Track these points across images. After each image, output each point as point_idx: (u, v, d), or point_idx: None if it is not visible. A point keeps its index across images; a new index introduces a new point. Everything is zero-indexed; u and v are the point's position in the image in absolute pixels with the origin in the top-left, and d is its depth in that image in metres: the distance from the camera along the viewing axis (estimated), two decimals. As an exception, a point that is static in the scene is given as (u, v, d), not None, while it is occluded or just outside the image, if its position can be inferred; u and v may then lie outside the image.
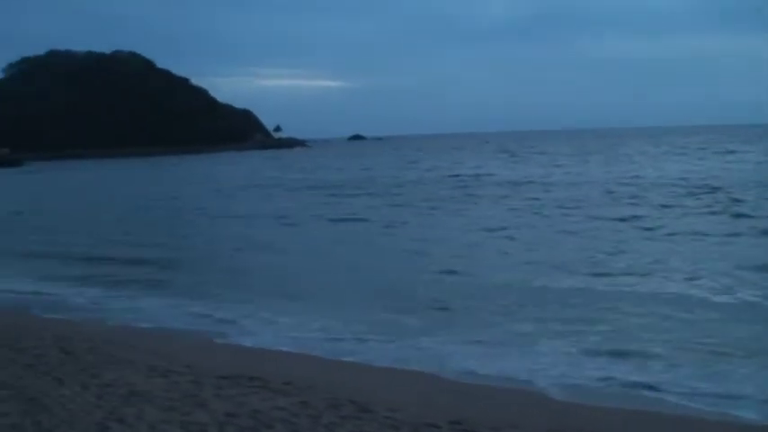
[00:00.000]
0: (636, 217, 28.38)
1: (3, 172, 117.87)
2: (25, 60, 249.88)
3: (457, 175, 58.52)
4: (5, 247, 28.45)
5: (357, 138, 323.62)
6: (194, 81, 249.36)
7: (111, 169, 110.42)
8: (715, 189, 37.41)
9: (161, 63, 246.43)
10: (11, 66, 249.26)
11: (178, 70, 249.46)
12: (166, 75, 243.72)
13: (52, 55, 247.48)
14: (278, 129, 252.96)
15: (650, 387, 9.98)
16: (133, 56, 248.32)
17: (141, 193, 57.61)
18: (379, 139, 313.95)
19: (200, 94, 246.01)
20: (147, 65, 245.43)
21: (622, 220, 27.87)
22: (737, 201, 32.27)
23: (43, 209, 46.91)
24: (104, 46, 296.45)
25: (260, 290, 18.00)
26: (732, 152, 75.30)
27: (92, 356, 10.69)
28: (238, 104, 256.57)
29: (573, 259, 20.07)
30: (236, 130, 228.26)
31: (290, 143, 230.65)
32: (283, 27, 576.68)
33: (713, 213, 29.02)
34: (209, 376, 9.79)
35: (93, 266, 22.91)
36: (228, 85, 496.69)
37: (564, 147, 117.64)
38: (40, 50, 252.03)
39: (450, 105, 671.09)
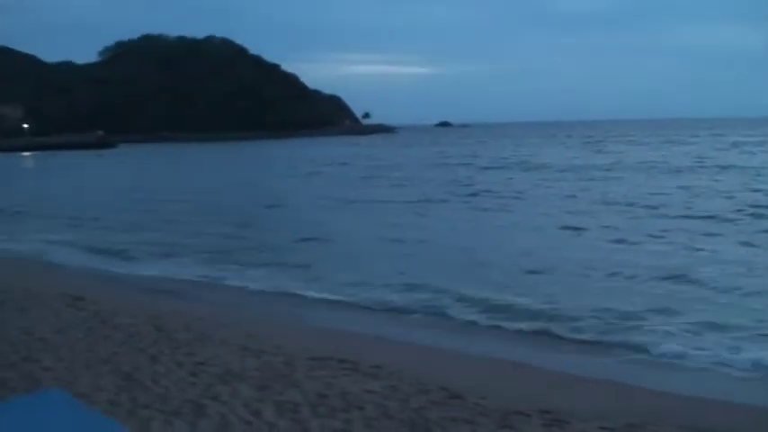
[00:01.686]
0: None
1: (98, 154, 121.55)
2: (120, 45, 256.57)
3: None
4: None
5: (444, 124, 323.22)
6: (285, 67, 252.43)
7: (214, 152, 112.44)
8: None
9: (253, 49, 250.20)
10: (106, 50, 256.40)
11: (269, 56, 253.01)
12: (257, 61, 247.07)
13: (146, 39, 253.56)
14: (367, 115, 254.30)
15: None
16: (225, 42, 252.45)
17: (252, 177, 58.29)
18: (466, 125, 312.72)
19: (291, 80, 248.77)
20: (239, 51, 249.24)
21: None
22: None
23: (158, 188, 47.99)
24: (197, 31, 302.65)
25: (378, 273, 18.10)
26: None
27: (185, 335, 10.80)
28: (328, 91, 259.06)
29: None
30: (325, 115, 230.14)
31: (379, 129, 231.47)
32: (373, 14, 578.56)
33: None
34: (300, 357, 9.78)
35: (195, 247, 23.30)
36: (318, 72, 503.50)
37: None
38: (133, 35, 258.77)
39: (536, 92, 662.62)
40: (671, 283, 15.87)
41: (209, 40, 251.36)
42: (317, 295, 15.79)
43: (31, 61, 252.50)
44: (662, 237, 22.32)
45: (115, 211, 35.39)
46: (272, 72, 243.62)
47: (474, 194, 37.43)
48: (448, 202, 34.37)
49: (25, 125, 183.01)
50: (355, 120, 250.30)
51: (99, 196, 44.69)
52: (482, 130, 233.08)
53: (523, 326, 12.90)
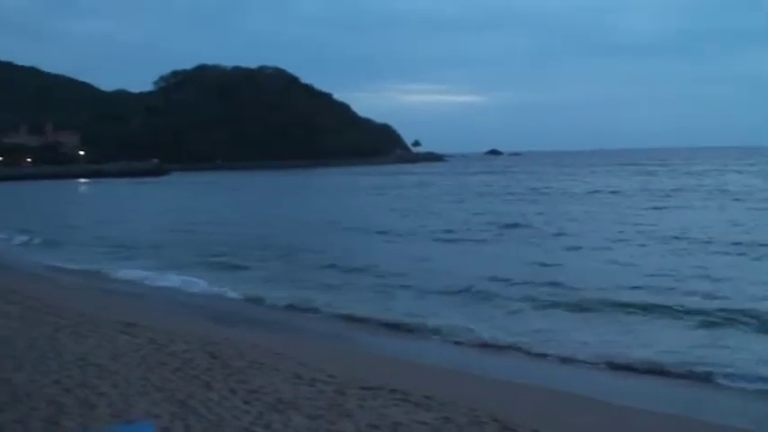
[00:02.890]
0: None
1: (156, 181, 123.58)
2: (175, 74, 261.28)
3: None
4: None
5: (494, 153, 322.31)
6: (336, 96, 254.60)
7: (268, 180, 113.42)
8: None
9: (305, 78, 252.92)
10: (162, 79, 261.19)
11: (321, 85, 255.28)
12: (310, 90, 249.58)
13: (201, 69, 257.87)
14: (417, 143, 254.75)
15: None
16: (278, 71, 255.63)
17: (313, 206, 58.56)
18: (516, 154, 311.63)
19: (342, 108, 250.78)
20: (292, 80, 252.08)
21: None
22: None
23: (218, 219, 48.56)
24: (251, 61, 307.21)
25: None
26: None
27: (239, 362, 10.83)
28: (378, 119, 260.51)
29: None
30: (376, 144, 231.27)
31: (429, 157, 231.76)
32: (424, 43, 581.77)
33: None
34: (353, 386, 9.74)
35: (247, 273, 23.52)
36: (369, 101, 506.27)
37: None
38: (189, 65, 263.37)
39: (590, 121, 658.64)
40: None
41: (263, 69, 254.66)
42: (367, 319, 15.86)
43: (87, 89, 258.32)
44: None
45: (168, 235, 35.91)
46: (324, 101, 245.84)
47: (511, 226, 36.09)
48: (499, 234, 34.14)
49: (81, 152, 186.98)
50: (405, 148, 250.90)
51: (148, 222, 45.34)
52: (532, 159, 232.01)
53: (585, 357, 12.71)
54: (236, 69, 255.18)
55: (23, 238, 35.90)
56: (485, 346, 13.82)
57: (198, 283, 21.63)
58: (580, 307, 16.71)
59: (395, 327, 15.63)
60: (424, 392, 9.58)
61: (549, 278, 20.68)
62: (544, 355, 12.96)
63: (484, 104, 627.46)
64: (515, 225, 35.79)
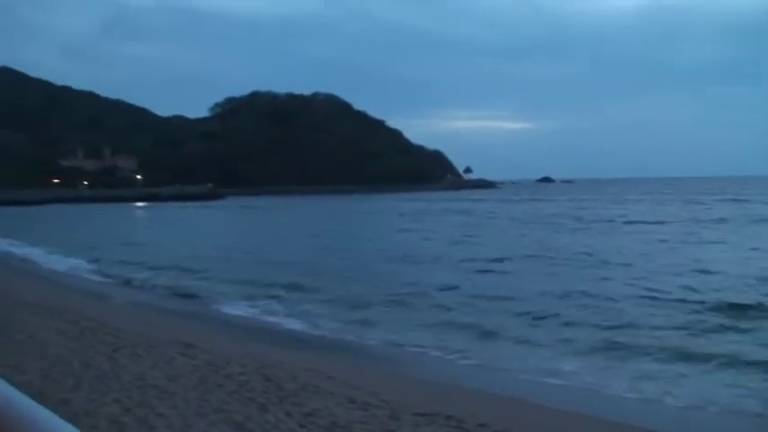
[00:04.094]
0: None
1: (211, 205, 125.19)
2: (230, 100, 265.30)
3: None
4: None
5: (546, 180, 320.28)
6: (389, 123, 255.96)
7: (322, 205, 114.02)
8: None
9: (358, 105, 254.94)
10: (217, 105, 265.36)
11: (374, 112, 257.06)
12: (362, 116, 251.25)
13: (255, 96, 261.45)
14: (468, 170, 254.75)
15: None
16: (331, 97, 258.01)
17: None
18: (569, 181, 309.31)
19: (395, 135, 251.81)
20: (344, 106, 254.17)
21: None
22: None
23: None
24: (304, 88, 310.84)
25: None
26: None
27: (293, 385, 10.88)
28: (430, 146, 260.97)
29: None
30: (427, 170, 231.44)
31: (480, 184, 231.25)
32: (476, 69, 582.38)
33: None
34: (407, 412, 9.71)
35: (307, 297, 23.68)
36: (421, 127, 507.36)
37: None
38: (244, 91, 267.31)
39: (644, 148, 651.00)
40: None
41: (316, 96, 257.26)
42: (420, 347, 15.83)
43: (145, 115, 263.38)
44: None
45: (220, 258, 36.30)
46: (376, 127, 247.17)
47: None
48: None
49: (139, 176, 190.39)
50: (457, 174, 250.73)
51: (206, 245, 45.86)
52: (584, 186, 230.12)
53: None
54: (290, 96, 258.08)
55: (81, 260, 36.54)
56: (542, 373, 13.68)
57: (253, 306, 21.85)
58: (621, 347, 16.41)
59: (448, 352, 15.61)
60: (478, 420, 9.53)
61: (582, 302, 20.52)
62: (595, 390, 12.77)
63: (536, 131, 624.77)
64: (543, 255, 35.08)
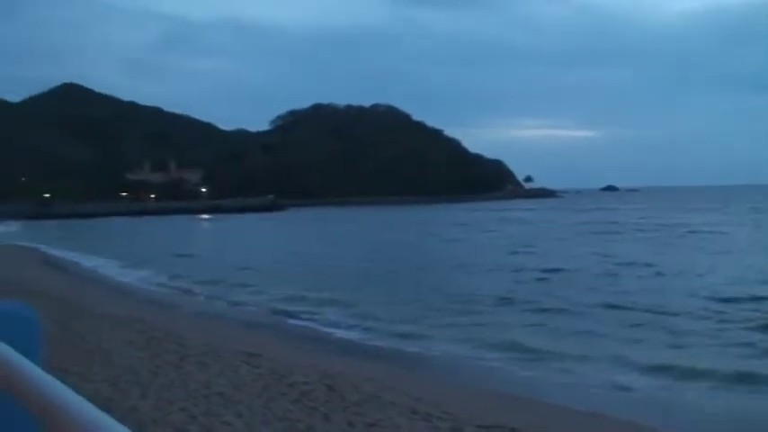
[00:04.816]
0: None
1: (274, 217, 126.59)
2: (291, 113, 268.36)
3: None
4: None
5: (610, 189, 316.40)
6: (447, 132, 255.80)
7: (383, 216, 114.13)
8: None
9: (417, 115, 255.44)
10: (278, 118, 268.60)
11: (432, 121, 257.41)
12: (421, 127, 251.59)
13: (316, 108, 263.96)
14: (529, 179, 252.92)
15: None
16: (390, 109, 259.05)
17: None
18: (634, 190, 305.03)
19: (453, 144, 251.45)
20: (403, 117, 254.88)
21: None
22: None
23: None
24: (364, 99, 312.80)
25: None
26: None
27: (355, 395, 10.92)
28: (490, 155, 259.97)
29: None
30: (487, 179, 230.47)
31: (541, 193, 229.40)
32: (535, 77, 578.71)
33: None
34: (469, 424, 9.66)
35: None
36: (480, 136, 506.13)
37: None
38: (304, 104, 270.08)
39: (712, 155, 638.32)
40: None
41: (375, 107, 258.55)
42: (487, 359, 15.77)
43: (209, 129, 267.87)
44: None
45: (284, 269, 36.65)
46: (434, 137, 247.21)
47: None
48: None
49: (203, 189, 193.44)
50: (517, 184, 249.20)
51: (268, 254, 46.30)
52: (650, 195, 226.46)
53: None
54: (349, 108, 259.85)
55: (147, 271, 37.21)
56: (605, 386, 13.49)
57: (314, 316, 22.01)
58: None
59: (509, 362, 15.51)
60: (543, 432, 9.45)
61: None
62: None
63: (600, 139, 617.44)
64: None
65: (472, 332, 18.91)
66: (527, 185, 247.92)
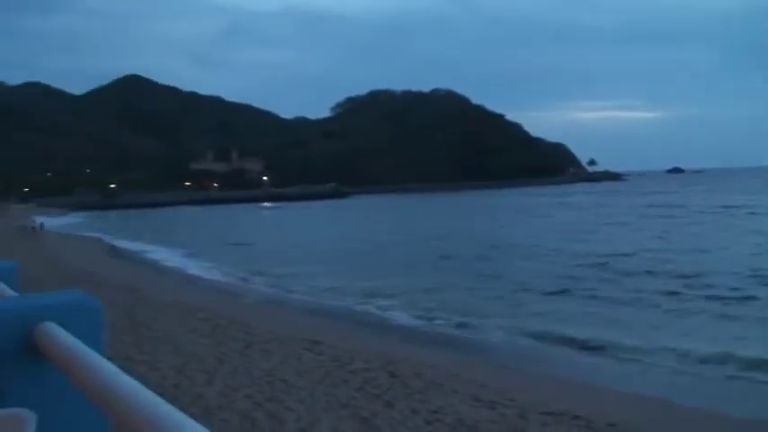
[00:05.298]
0: None
1: (336, 204, 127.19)
2: (350, 100, 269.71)
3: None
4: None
5: (675, 170, 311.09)
6: (508, 116, 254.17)
7: (445, 202, 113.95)
8: None
9: (476, 99, 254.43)
10: (337, 106, 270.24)
11: (492, 106, 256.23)
12: (481, 111, 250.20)
13: (374, 94, 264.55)
14: (592, 162, 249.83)
15: None
16: (449, 93, 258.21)
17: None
18: (699, 171, 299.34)
19: (514, 128, 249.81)
20: (463, 101, 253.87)
21: None
22: None
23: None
24: (423, 85, 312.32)
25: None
26: None
27: (418, 382, 10.90)
28: (552, 138, 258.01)
29: None
30: (549, 163, 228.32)
31: (605, 176, 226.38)
32: (598, 59, 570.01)
33: None
34: (534, 411, 9.58)
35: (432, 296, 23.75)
36: (542, 120, 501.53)
37: None
38: (362, 91, 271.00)
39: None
40: None
41: (435, 92, 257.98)
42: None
43: (270, 118, 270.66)
44: None
45: (345, 255, 36.81)
46: (495, 121, 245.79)
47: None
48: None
49: (265, 177, 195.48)
50: (580, 167, 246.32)
51: (332, 241, 46.54)
52: (715, 176, 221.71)
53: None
54: (408, 93, 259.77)
55: (210, 260, 37.70)
56: (679, 373, 13.27)
57: (374, 303, 22.08)
58: None
59: (573, 348, 15.37)
60: (608, 420, 9.31)
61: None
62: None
63: (664, 120, 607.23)
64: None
65: (532, 319, 18.79)
66: (590, 169, 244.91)
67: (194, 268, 33.92)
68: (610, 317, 18.94)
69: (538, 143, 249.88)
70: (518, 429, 8.73)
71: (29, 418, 1.99)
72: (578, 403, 10.18)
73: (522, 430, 8.70)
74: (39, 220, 63.66)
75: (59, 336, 2.03)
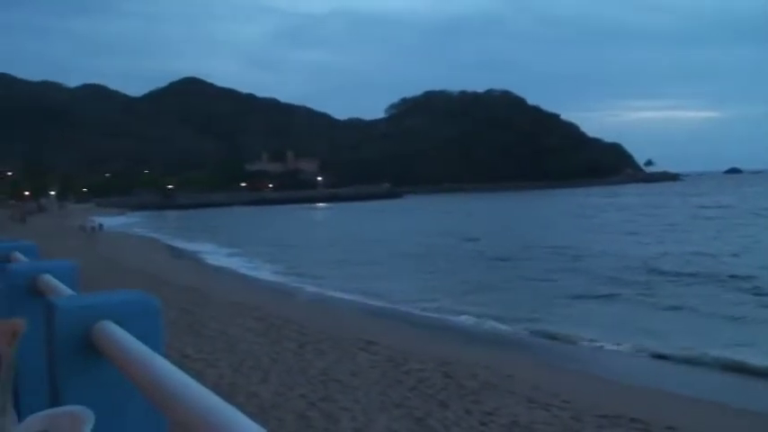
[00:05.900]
0: None
1: (390, 203, 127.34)
2: (405, 101, 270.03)
3: None
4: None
5: (734, 171, 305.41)
6: (564, 116, 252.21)
7: (501, 203, 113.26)
8: None
9: (532, 100, 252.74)
10: (392, 106, 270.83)
11: (548, 106, 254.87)
12: (537, 111, 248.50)
13: (429, 95, 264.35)
14: (649, 162, 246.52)
15: None
16: (505, 94, 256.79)
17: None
18: (759, 172, 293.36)
19: (570, 129, 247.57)
20: (518, 102, 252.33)
21: None
22: None
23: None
24: (477, 85, 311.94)
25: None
26: None
27: (472, 383, 10.85)
28: (608, 138, 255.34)
29: None
30: (605, 164, 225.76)
31: (662, 177, 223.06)
32: (655, 58, 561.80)
33: None
34: (589, 413, 9.47)
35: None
36: (598, 120, 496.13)
37: None
38: (417, 92, 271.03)
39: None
40: None
41: (490, 93, 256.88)
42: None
43: (325, 119, 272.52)
44: None
45: (402, 257, 36.83)
46: (551, 122, 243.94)
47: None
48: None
49: (319, 178, 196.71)
50: (637, 167, 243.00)
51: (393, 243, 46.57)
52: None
53: None
54: (463, 94, 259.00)
55: (264, 260, 38.04)
56: (742, 377, 13.01)
57: (426, 304, 22.04)
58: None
59: (630, 350, 15.19)
60: (667, 423, 9.17)
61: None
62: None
63: (723, 120, 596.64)
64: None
65: (585, 320, 18.65)
66: (648, 169, 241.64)
67: (249, 268, 34.24)
68: (661, 320, 18.71)
69: (594, 143, 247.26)
70: (573, 431, 8.64)
71: (87, 415, 2.03)
72: (635, 406, 10.05)
73: (576, 432, 8.62)
74: (97, 220, 64.85)
75: (117, 334, 2.07)
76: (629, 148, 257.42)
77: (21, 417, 3.56)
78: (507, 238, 48.08)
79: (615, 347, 15.50)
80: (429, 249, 41.36)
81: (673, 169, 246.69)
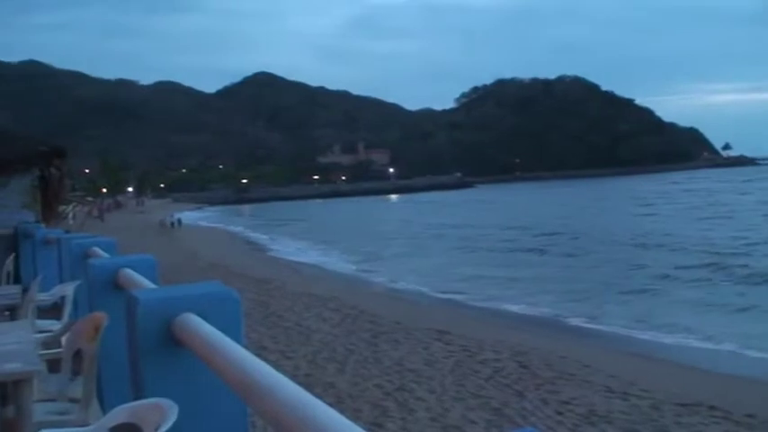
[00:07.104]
0: None
1: (460, 193, 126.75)
2: (475, 90, 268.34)
3: None
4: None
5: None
6: (639, 101, 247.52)
7: (575, 190, 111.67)
8: None
9: (605, 85, 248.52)
10: (463, 95, 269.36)
11: (622, 92, 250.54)
12: (610, 97, 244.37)
13: (500, 83, 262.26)
14: (727, 147, 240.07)
15: None
16: (577, 80, 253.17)
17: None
18: None
19: (645, 114, 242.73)
20: (591, 88, 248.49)
21: None
22: None
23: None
24: (549, 72, 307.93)
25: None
26: None
27: (548, 372, 10.78)
28: (684, 123, 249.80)
29: None
30: (681, 149, 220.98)
31: (739, 162, 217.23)
32: (732, 40, 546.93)
33: None
34: (668, 402, 9.32)
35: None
36: (674, 104, 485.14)
37: None
38: (488, 80, 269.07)
39: None
40: None
41: (561, 79, 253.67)
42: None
43: (395, 110, 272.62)
44: None
45: (470, 248, 36.74)
46: (624, 107, 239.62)
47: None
48: None
49: (391, 169, 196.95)
50: (714, 152, 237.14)
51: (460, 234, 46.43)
52: None
53: None
54: (534, 81, 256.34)
55: (337, 250, 38.34)
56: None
57: (502, 292, 21.94)
58: None
59: (705, 337, 14.90)
60: (746, 411, 8.97)
61: None
62: None
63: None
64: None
65: (662, 310, 18.37)
66: (725, 154, 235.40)
67: (323, 259, 34.53)
68: (735, 306, 18.31)
69: (670, 128, 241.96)
70: (652, 420, 8.53)
71: (171, 407, 2.09)
72: (713, 394, 9.87)
73: (656, 420, 8.50)
74: (176, 215, 66.10)
75: (198, 326, 2.12)
76: (706, 132, 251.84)
77: (104, 408, 3.68)
78: (581, 228, 47.30)
79: (691, 336, 15.16)
80: (498, 241, 40.99)
81: (751, 154, 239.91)
